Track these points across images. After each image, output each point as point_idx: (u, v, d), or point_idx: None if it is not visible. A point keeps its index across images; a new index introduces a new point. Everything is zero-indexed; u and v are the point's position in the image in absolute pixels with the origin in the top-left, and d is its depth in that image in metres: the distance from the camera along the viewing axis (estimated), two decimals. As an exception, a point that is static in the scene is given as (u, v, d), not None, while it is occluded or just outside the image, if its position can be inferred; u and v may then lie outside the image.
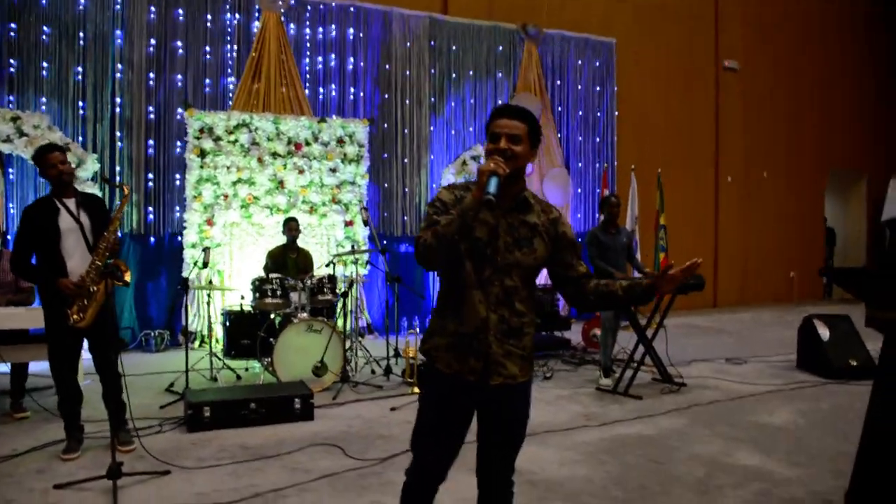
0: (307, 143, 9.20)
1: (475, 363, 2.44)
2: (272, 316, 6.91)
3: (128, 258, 8.73)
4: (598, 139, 11.99)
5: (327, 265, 7.54)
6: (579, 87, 11.86)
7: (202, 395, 5.50)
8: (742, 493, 3.94)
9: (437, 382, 2.54)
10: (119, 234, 4.67)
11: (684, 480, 4.14)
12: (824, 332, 7.24)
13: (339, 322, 7.34)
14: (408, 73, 10.50)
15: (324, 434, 5.07)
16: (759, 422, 5.45)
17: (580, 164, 11.85)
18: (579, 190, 11.81)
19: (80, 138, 8.55)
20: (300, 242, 7.99)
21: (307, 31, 9.89)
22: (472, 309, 2.44)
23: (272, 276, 6.84)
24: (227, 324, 6.99)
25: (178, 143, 9.03)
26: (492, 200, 2.22)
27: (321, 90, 9.99)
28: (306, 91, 9.72)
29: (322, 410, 5.66)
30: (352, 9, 10.11)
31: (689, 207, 12.99)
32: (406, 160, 10.45)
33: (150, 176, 8.97)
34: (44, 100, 8.42)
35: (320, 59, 9.98)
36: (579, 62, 11.87)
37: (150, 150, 8.97)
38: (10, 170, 8.32)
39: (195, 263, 7.50)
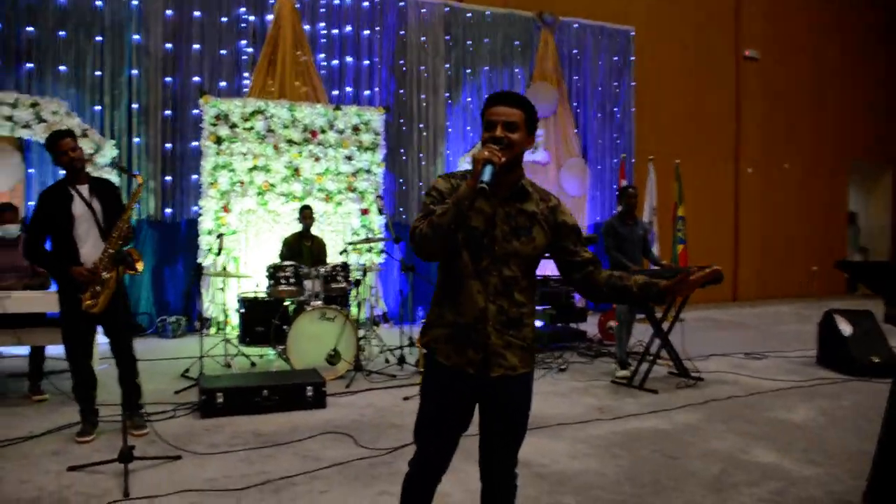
0: (323, 131, 9.19)
1: (474, 355, 2.41)
2: (286, 303, 6.91)
3: (145, 244, 8.78)
4: (615, 129, 11.89)
5: (341, 253, 7.53)
6: (597, 76, 11.76)
7: (216, 381, 5.51)
8: (757, 491, 3.88)
9: (437, 374, 2.51)
10: (132, 221, 4.66)
11: (698, 476, 4.09)
12: (846, 328, 7.13)
13: (354, 310, 7.35)
14: (423, 61, 10.44)
15: (336, 422, 5.06)
16: (777, 418, 5.36)
17: (598, 154, 11.75)
18: (597, 177, 11.70)
19: (98, 125, 8.58)
20: (315, 230, 7.98)
21: (322, 20, 9.86)
22: (471, 299, 2.41)
23: (286, 263, 6.83)
24: (242, 311, 7.00)
25: (194, 136, 9.04)
26: (485, 188, 2.18)
27: (336, 76, 9.97)
28: (321, 75, 9.69)
29: (335, 398, 5.66)
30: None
31: (708, 199, 12.86)
32: (422, 149, 10.41)
33: (167, 162, 9.01)
34: (62, 87, 8.45)
35: (336, 43, 9.95)
36: (596, 51, 11.76)
37: (167, 137, 9.00)
38: (30, 156, 8.36)
39: (210, 250, 7.52)
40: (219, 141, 8.68)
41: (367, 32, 10.12)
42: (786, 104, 13.97)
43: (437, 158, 10.51)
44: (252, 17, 9.43)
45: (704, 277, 2.39)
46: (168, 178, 9.04)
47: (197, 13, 9.15)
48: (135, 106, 8.85)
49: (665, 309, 6.84)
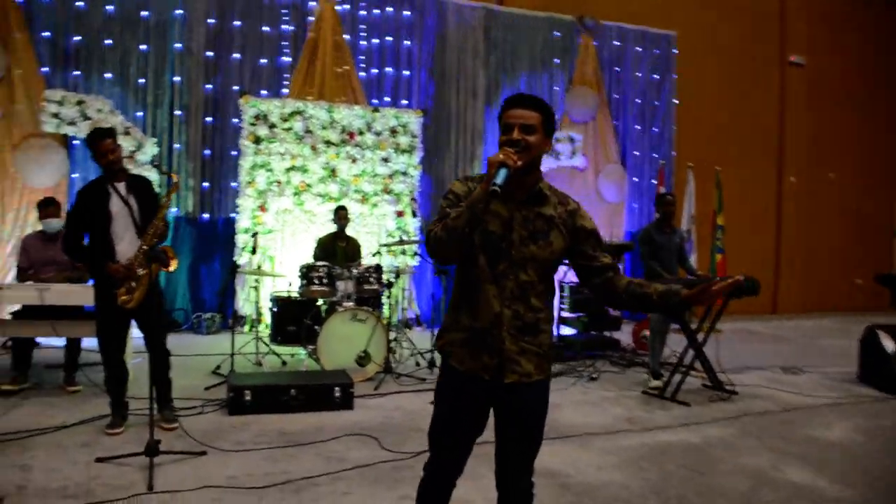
0: (360, 133, 9.22)
1: (489, 360, 2.39)
2: (319, 303, 6.94)
3: (183, 241, 8.92)
4: (655, 135, 11.73)
5: (374, 255, 7.54)
6: (637, 80, 11.61)
7: (245, 379, 5.55)
8: (787, 509, 3.78)
9: (451, 378, 2.50)
10: (167, 219, 4.75)
11: (727, 494, 3.98)
12: (889, 344, 6.89)
13: (386, 312, 7.35)
14: (462, 63, 10.43)
15: (362, 424, 5.06)
16: (812, 436, 5.21)
17: (636, 160, 11.61)
18: (635, 184, 11.56)
19: (141, 123, 8.73)
20: (350, 231, 8.00)
21: (363, 21, 9.90)
22: (486, 303, 2.38)
23: (319, 263, 6.86)
24: (275, 309, 7.04)
25: (234, 130, 9.14)
26: (497, 191, 2.15)
27: (376, 80, 10.01)
28: (360, 79, 9.75)
29: (362, 400, 5.66)
30: (406, 0, 10.08)
31: (748, 208, 12.60)
32: (459, 152, 10.40)
33: (206, 167, 9.14)
34: (107, 83, 8.63)
35: (375, 48, 9.99)
36: (637, 55, 11.62)
37: (207, 136, 9.12)
38: (75, 152, 8.53)
39: (244, 248, 7.59)
40: (257, 141, 8.77)
41: (406, 37, 10.13)
42: (832, 112, 13.60)
43: (474, 161, 10.48)
44: (292, 27, 9.50)
45: (726, 287, 2.33)
46: (206, 176, 9.15)
47: (237, 22, 9.25)
48: (178, 113, 9.00)
49: (700, 319, 6.70)
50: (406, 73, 10.17)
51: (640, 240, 6.85)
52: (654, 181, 11.34)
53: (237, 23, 9.27)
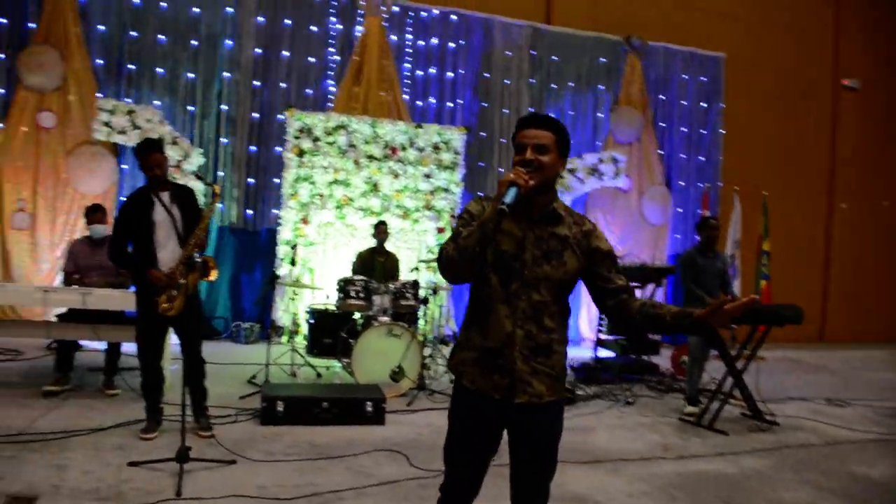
0: (403, 148, 9.28)
1: (500, 380, 2.38)
2: (355, 317, 6.97)
3: (225, 251, 9.07)
4: (701, 158, 11.57)
5: (412, 270, 7.56)
6: (684, 102, 11.48)
7: (278, 389, 5.59)
8: (824, 547, 3.65)
9: (463, 397, 2.50)
10: (208, 230, 4.85)
11: (761, 525, 3.88)
12: (939, 379, 6.67)
13: (424, 328, 7.35)
14: (507, 82, 10.45)
15: (392, 440, 5.05)
16: (855, 472, 5.02)
17: (681, 183, 11.47)
18: (679, 209, 11.42)
19: (189, 133, 8.93)
20: (390, 246, 8.04)
21: (408, 37, 10.02)
22: (498, 323, 2.38)
23: (357, 277, 6.90)
24: (312, 321, 7.09)
25: (279, 142, 9.28)
26: (505, 210, 2.16)
27: (420, 96, 10.09)
28: (405, 97, 9.84)
29: (394, 416, 5.65)
30: (453, 16, 10.17)
31: (796, 234, 12.32)
32: (502, 169, 10.39)
33: (251, 172, 9.28)
34: (157, 98, 8.83)
35: (420, 65, 10.09)
36: (685, 77, 11.50)
37: (252, 147, 9.29)
38: (124, 160, 8.75)
39: (283, 259, 7.68)
40: (301, 153, 8.88)
41: (451, 54, 10.19)
42: (886, 137, 13.24)
43: (517, 180, 10.43)
44: (340, 26, 9.63)
45: (740, 307, 2.27)
46: (250, 187, 9.28)
47: (288, 21, 9.40)
48: (224, 107, 9.18)
49: (741, 346, 6.55)
50: (450, 90, 10.22)
51: (682, 263, 6.74)
52: (699, 208, 11.17)
53: (287, 21, 9.40)
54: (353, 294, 6.72)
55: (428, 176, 9.43)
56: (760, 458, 5.24)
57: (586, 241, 2.45)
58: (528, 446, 2.46)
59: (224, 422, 5.19)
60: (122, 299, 5.66)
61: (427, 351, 6.99)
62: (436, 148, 9.43)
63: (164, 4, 8.92)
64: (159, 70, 8.92)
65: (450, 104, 10.22)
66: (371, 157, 9.16)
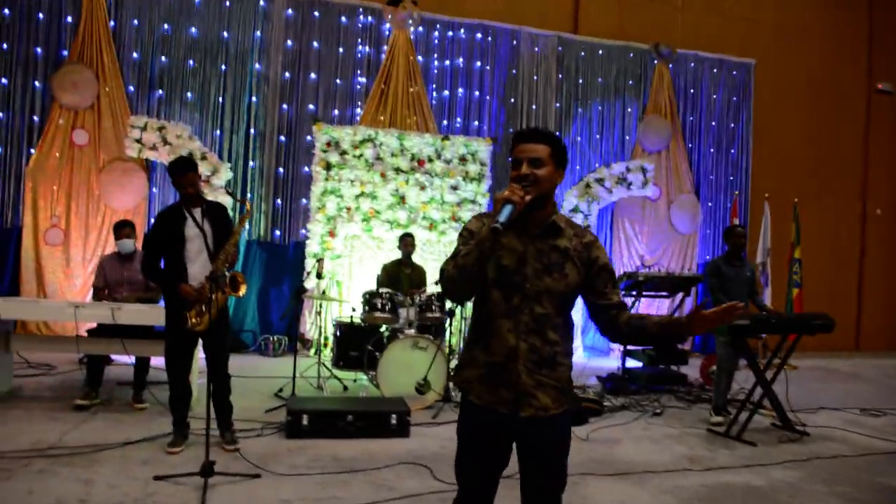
0: (430, 160, 9.30)
1: (506, 394, 2.39)
2: (381, 329, 6.99)
3: (253, 264, 9.15)
4: (730, 165, 11.44)
5: (436, 283, 7.54)
6: (713, 110, 11.37)
7: (303, 403, 5.61)
8: (855, 563, 3.56)
9: (470, 413, 2.50)
10: (237, 245, 4.92)
11: (790, 541, 3.79)
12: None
13: (448, 340, 7.34)
14: (534, 92, 10.44)
15: (416, 453, 5.04)
16: (888, 485, 4.90)
17: (711, 191, 11.34)
18: (709, 218, 11.29)
19: (217, 148, 9.05)
20: (417, 258, 8.05)
21: (435, 49, 10.05)
22: (501, 338, 2.39)
23: (382, 290, 6.92)
24: (338, 334, 7.12)
25: (306, 162, 9.38)
26: (498, 229, 2.18)
27: (447, 107, 10.12)
28: (432, 106, 9.87)
29: (419, 428, 5.64)
30: (480, 28, 10.18)
31: (829, 241, 12.12)
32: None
33: (279, 186, 9.38)
34: (187, 121, 8.97)
35: (447, 76, 10.11)
36: (714, 83, 11.39)
37: (280, 162, 9.38)
38: (154, 176, 8.91)
39: (309, 272, 7.73)
40: (328, 167, 8.95)
41: (478, 64, 10.22)
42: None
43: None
44: (368, 48, 9.71)
45: (719, 312, 2.27)
46: (279, 201, 9.38)
47: (315, 44, 9.49)
48: (252, 129, 9.28)
49: (772, 354, 6.44)
50: (477, 100, 10.24)
51: (708, 272, 6.69)
52: (729, 216, 11.03)
53: (315, 44, 9.50)
54: (378, 307, 6.74)
55: (454, 188, 9.43)
56: (790, 469, 5.13)
57: (587, 253, 2.46)
58: (535, 459, 2.47)
59: (249, 435, 5.22)
60: (151, 314, 5.75)
61: (453, 363, 6.97)
62: (462, 159, 9.44)
63: (194, 30, 9.07)
64: (189, 94, 9.07)
65: (476, 116, 10.23)
66: (398, 170, 9.19)
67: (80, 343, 5.88)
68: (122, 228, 6.27)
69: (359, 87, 9.72)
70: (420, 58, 9.89)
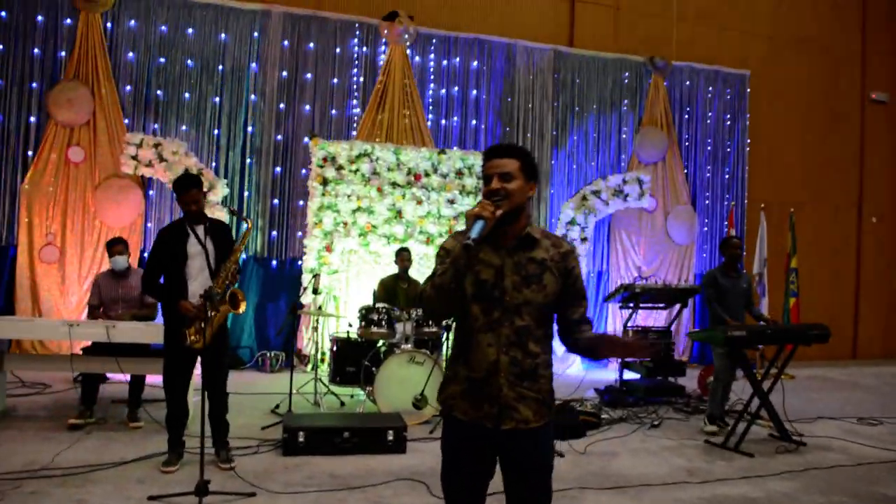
0: (426, 174, 9.30)
1: (489, 408, 2.41)
2: (378, 345, 6.97)
3: (250, 280, 9.13)
4: (727, 176, 11.45)
5: (418, 304, 7.52)
6: (709, 121, 11.39)
7: (300, 420, 5.59)
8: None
9: (454, 428, 2.51)
10: (238, 264, 4.93)
11: (790, 555, 3.76)
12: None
13: (445, 355, 7.30)
14: (530, 105, 10.47)
15: (413, 468, 5.01)
16: (886, 495, 4.87)
17: (707, 202, 11.35)
18: (706, 228, 11.29)
19: (213, 163, 9.06)
20: (414, 272, 8.03)
21: (431, 63, 10.08)
22: (482, 353, 2.41)
23: (379, 305, 6.90)
24: (335, 350, 7.10)
25: (303, 171, 9.38)
26: (470, 245, 2.20)
27: (443, 121, 10.14)
28: (428, 122, 9.89)
29: (416, 444, 5.61)
30: (476, 42, 10.22)
31: (825, 250, 12.14)
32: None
33: (275, 201, 9.37)
34: (184, 127, 9.01)
35: (443, 91, 10.14)
36: (709, 95, 11.42)
37: (276, 177, 9.37)
38: (150, 192, 8.90)
39: (306, 289, 7.71)
40: (325, 182, 8.94)
41: (474, 79, 10.24)
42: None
43: (541, 202, 10.43)
44: (365, 49, 9.72)
45: (632, 346, 2.41)
46: (275, 216, 9.36)
47: (311, 45, 9.51)
48: (249, 129, 9.29)
49: (769, 364, 6.43)
50: (473, 114, 10.25)
51: (705, 283, 6.71)
52: (726, 227, 11.04)
53: (308, 76, 9.54)
54: (375, 322, 6.72)
55: (451, 201, 9.43)
56: (787, 480, 5.10)
57: (563, 262, 2.49)
58: (517, 472, 2.48)
59: (246, 453, 5.19)
60: (147, 332, 5.74)
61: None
62: (459, 173, 9.44)
63: (190, 31, 9.09)
64: (186, 95, 9.08)
65: (473, 129, 10.25)
66: (394, 184, 9.19)
67: (75, 361, 5.83)
68: (115, 246, 6.25)
69: (356, 88, 9.70)
70: (416, 71, 9.91)
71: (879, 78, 12.83)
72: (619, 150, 10.95)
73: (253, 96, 9.30)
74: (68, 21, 8.66)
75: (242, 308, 4.87)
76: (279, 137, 9.39)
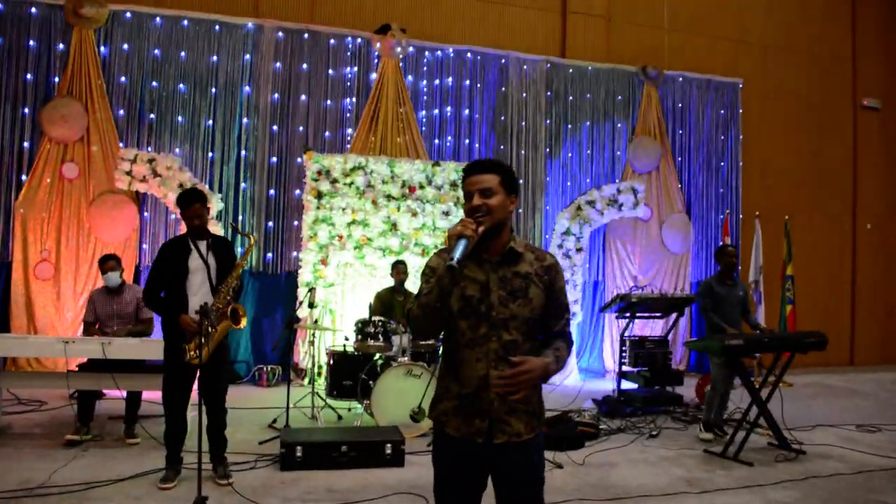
0: (421, 187, 9.30)
1: (481, 423, 2.42)
2: (375, 358, 6.95)
3: (246, 294, 9.09)
4: (721, 184, 11.49)
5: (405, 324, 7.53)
6: (702, 129, 11.44)
7: (297, 434, 5.57)
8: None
9: (447, 444, 2.51)
10: (240, 279, 4.94)
11: (790, 564, 3.75)
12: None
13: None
14: (524, 116, 10.49)
15: (411, 482, 4.99)
16: (887, 502, 4.87)
17: (702, 210, 11.37)
18: (700, 237, 11.32)
19: (208, 178, 9.05)
20: (410, 285, 8.03)
21: (424, 76, 10.10)
22: (471, 368, 2.42)
23: (375, 318, 6.89)
24: (332, 363, 7.08)
25: (297, 185, 9.37)
26: (454, 267, 2.21)
27: (437, 135, 10.15)
28: (422, 134, 9.91)
29: (414, 457, 5.58)
30: (469, 54, 10.26)
31: (821, 257, 12.18)
32: (520, 205, 10.39)
33: (270, 216, 9.36)
34: (177, 146, 8.98)
35: (437, 104, 10.15)
36: (702, 104, 11.47)
37: (271, 191, 9.37)
38: (145, 208, 8.89)
39: (302, 303, 7.71)
40: (319, 196, 8.93)
41: (467, 89, 10.27)
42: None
43: (536, 214, 10.45)
44: (357, 69, 9.73)
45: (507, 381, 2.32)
46: (270, 227, 9.35)
47: (304, 66, 9.52)
48: (243, 153, 9.27)
49: (766, 372, 6.44)
50: (467, 127, 10.27)
51: (701, 292, 6.72)
52: (721, 235, 11.07)
53: (302, 97, 9.56)
54: (371, 335, 6.72)
55: (446, 213, 9.43)
56: (787, 489, 5.10)
57: (547, 275, 2.50)
58: (508, 486, 2.49)
59: (243, 468, 5.17)
60: (142, 348, 5.73)
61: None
62: (454, 185, 9.44)
63: (183, 54, 9.10)
64: (179, 118, 9.08)
65: (466, 141, 10.27)
66: (389, 197, 9.19)
67: (71, 378, 5.81)
68: (107, 262, 6.24)
69: (349, 108, 9.73)
70: (409, 84, 9.93)
71: (871, 84, 12.91)
72: (613, 159, 10.98)
73: (245, 119, 9.31)
74: (61, 46, 8.66)
75: (243, 324, 4.88)
76: (273, 152, 9.39)
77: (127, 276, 6.73)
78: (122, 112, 8.87)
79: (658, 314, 8.79)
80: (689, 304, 8.69)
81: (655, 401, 7.83)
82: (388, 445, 5.40)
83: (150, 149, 8.85)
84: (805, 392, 9.35)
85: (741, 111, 11.68)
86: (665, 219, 10.95)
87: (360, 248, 9.07)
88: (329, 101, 9.65)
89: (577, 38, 11.07)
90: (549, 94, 10.64)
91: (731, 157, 11.55)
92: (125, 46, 8.89)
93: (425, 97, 10.10)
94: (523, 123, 10.48)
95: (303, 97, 9.53)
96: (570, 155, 10.75)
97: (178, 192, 8.26)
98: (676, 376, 8.09)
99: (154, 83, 9.01)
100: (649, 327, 10.04)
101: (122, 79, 8.88)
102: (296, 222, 9.33)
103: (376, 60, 9.80)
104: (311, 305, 7.10)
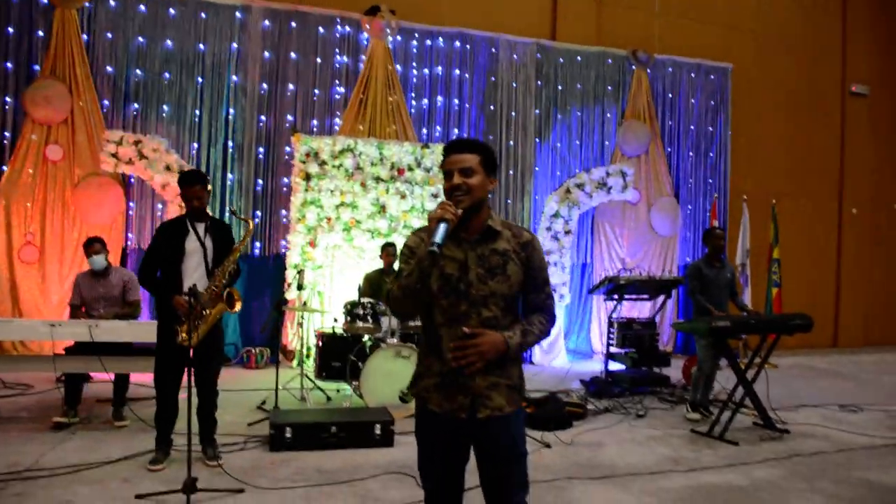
0: (410, 169, 9.27)
1: (463, 399, 2.45)
2: (364, 339, 6.95)
3: (237, 277, 9.06)
4: (709, 168, 11.53)
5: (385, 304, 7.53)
6: (691, 114, 11.46)
7: (286, 415, 5.57)
8: (840, 560, 3.57)
9: (429, 420, 2.54)
10: (238, 263, 4.91)
11: (775, 540, 3.80)
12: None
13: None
14: (514, 99, 10.46)
15: (400, 461, 5.01)
16: (868, 479, 4.93)
17: (690, 194, 11.41)
18: (689, 220, 11.36)
19: (195, 161, 8.98)
20: (398, 267, 8.01)
21: (413, 58, 10.04)
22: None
23: (364, 300, 6.88)
24: (320, 345, 7.08)
25: (285, 173, 9.34)
26: (435, 252, 2.23)
27: (426, 117, 10.11)
28: (411, 115, 9.86)
29: (403, 437, 5.58)
30: (458, 36, 10.20)
31: (807, 240, 12.29)
32: (509, 187, 10.39)
33: (258, 205, 9.31)
34: (164, 135, 8.86)
35: (426, 86, 10.10)
36: (692, 88, 11.48)
37: (259, 174, 9.31)
38: (131, 190, 8.82)
39: (290, 285, 7.69)
40: (308, 178, 8.89)
41: (457, 72, 10.23)
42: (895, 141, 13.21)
43: (525, 198, 10.45)
44: (346, 58, 9.68)
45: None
46: (258, 213, 9.31)
47: (293, 55, 9.45)
48: (230, 143, 9.20)
49: (752, 353, 6.49)
50: (456, 108, 10.24)
51: (689, 275, 6.75)
52: (709, 218, 11.12)
53: (293, 55, 9.48)
54: (360, 316, 6.72)
55: (435, 196, 9.40)
56: (772, 467, 5.16)
57: (524, 252, 2.53)
58: (492, 460, 2.52)
59: (233, 449, 5.17)
60: (130, 330, 5.69)
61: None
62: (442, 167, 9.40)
63: (169, 42, 8.99)
64: (165, 107, 8.99)
65: (455, 130, 10.22)
66: (378, 179, 9.15)
67: (58, 361, 5.77)
68: (92, 245, 6.17)
69: (337, 97, 9.68)
70: (398, 67, 9.87)
71: (860, 70, 12.96)
72: (603, 143, 10.98)
73: (235, 78, 9.22)
74: (41, 33, 8.54)
75: (238, 307, 4.86)
76: (261, 132, 9.33)
77: (113, 259, 6.66)
78: (106, 102, 8.77)
79: (646, 296, 8.83)
80: (676, 287, 8.73)
81: (643, 381, 7.89)
82: (378, 426, 5.41)
83: (136, 129, 8.78)
84: (790, 373, 9.45)
85: (731, 96, 11.69)
86: (654, 202, 10.98)
87: (349, 230, 9.04)
88: (317, 90, 9.58)
89: (568, 20, 11.02)
90: (539, 76, 10.60)
91: (719, 140, 11.58)
92: (109, 34, 8.78)
93: (414, 79, 10.05)
94: (513, 105, 10.46)
95: (291, 85, 9.46)
96: (559, 137, 10.73)
97: (164, 175, 8.25)
98: (663, 357, 8.15)
99: (139, 71, 8.91)
100: (637, 309, 10.08)
101: (109, 68, 8.79)
102: (284, 211, 9.29)
103: (365, 43, 9.72)
104: (300, 287, 7.08)
